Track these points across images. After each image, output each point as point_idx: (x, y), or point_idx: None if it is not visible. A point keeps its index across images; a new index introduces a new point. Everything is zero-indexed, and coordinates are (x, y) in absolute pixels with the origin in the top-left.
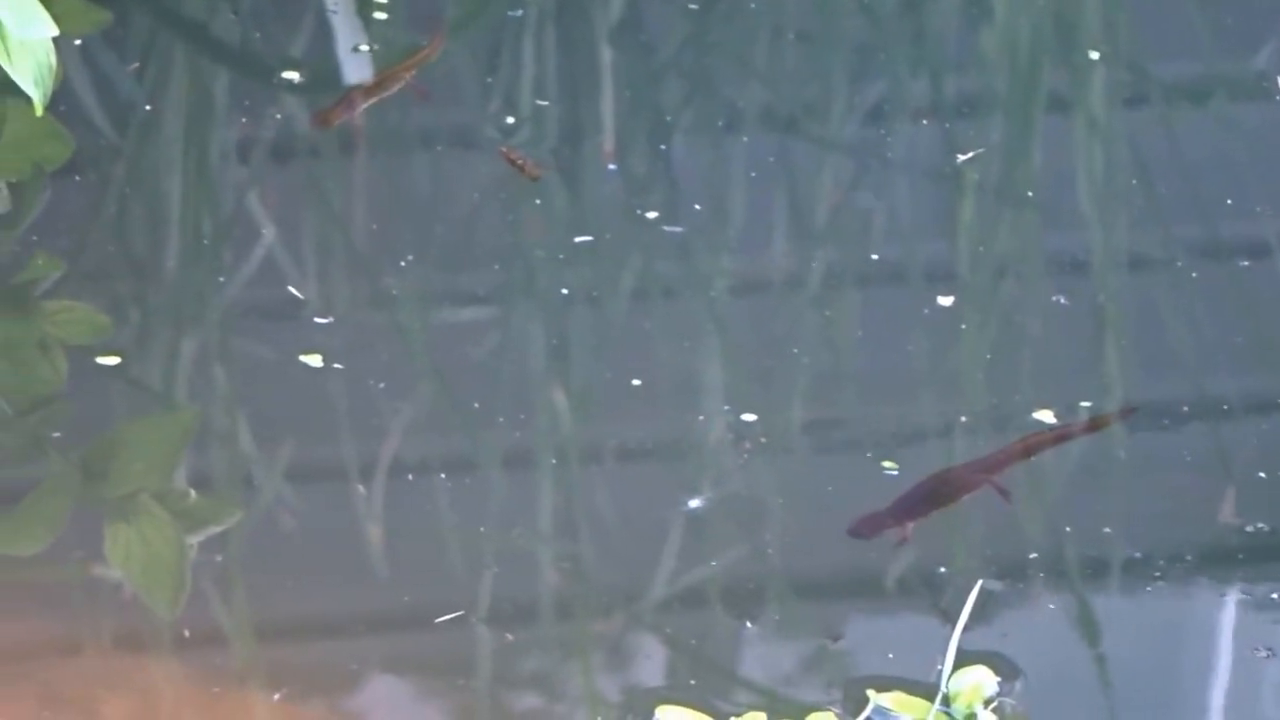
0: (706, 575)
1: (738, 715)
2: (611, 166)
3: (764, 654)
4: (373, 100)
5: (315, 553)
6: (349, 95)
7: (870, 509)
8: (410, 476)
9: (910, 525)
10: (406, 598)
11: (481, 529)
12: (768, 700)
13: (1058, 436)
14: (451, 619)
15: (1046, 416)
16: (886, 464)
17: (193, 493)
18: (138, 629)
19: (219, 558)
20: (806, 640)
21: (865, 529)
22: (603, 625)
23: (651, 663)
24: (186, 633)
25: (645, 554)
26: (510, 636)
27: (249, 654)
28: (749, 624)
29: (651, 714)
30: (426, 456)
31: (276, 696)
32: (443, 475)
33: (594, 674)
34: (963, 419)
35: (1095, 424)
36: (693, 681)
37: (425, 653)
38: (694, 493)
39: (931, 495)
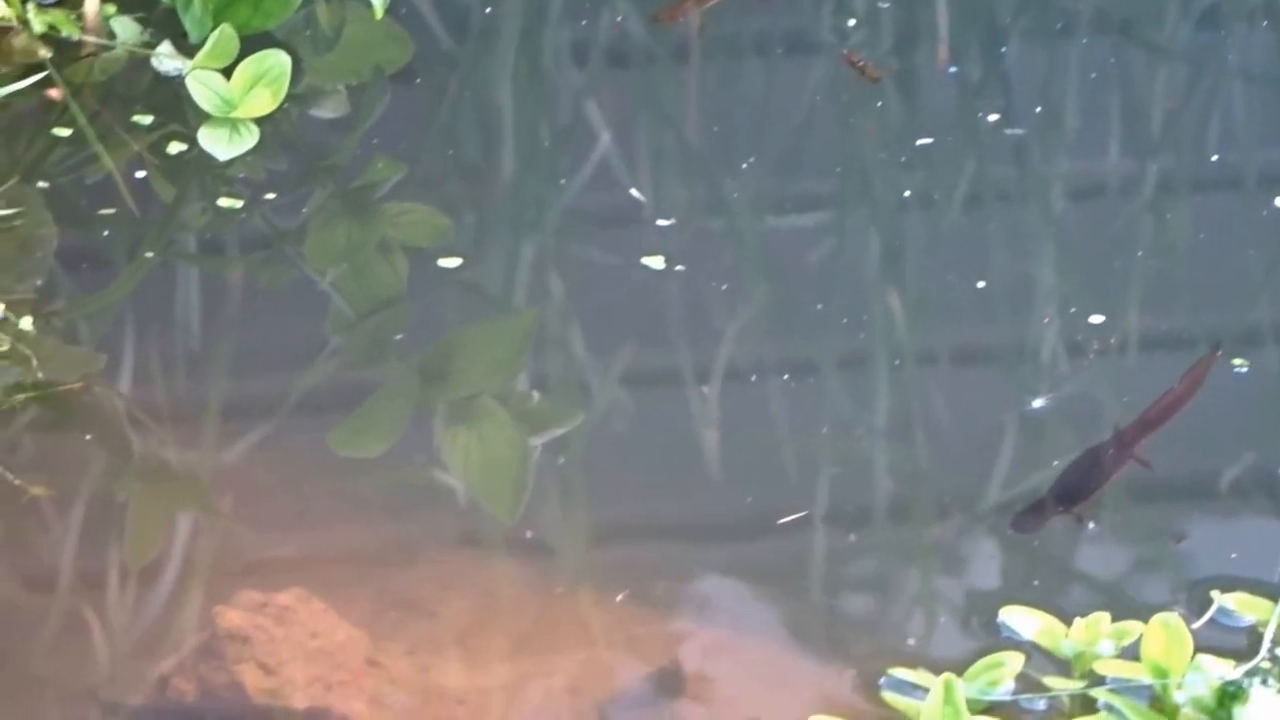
0: (1046, 478)
1: (1081, 616)
2: (952, 69)
3: (1105, 555)
4: (712, 2)
5: (655, 456)
6: None
7: (1029, 502)
8: (750, 379)
9: (1080, 509)
10: (748, 500)
11: (821, 431)
12: (1110, 601)
13: (1182, 396)
14: (793, 520)
15: None
16: (1236, 361)
17: (535, 395)
18: (478, 530)
19: (559, 460)
20: (1148, 542)
21: (1029, 524)
22: (942, 528)
23: (992, 565)
24: (528, 534)
25: (983, 456)
26: (852, 538)
27: (589, 556)
28: (1090, 525)
29: (995, 616)
30: (764, 359)
31: (618, 598)
32: (783, 377)
33: (934, 577)
34: None
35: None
36: (1035, 583)
37: (765, 555)
38: (1033, 395)
39: (1087, 477)
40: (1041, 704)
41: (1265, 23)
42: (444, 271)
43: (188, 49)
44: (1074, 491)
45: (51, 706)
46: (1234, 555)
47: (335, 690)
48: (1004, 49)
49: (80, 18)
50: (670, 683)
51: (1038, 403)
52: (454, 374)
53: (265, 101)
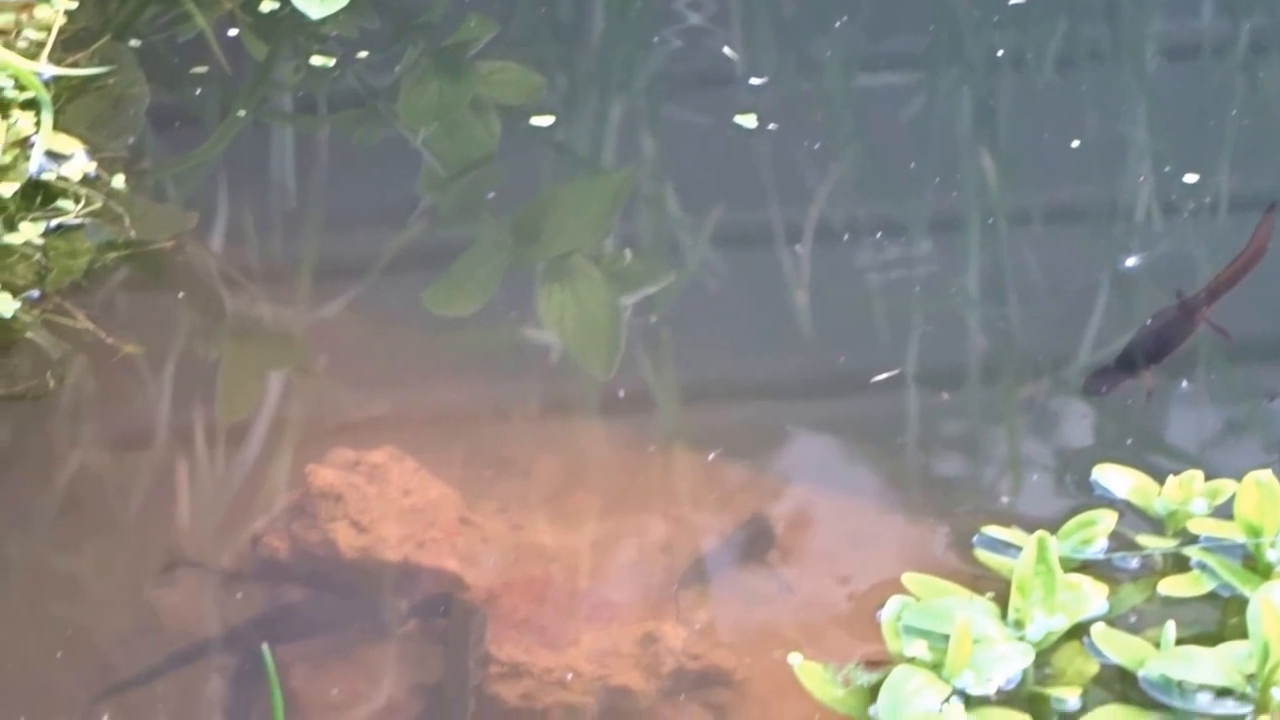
0: (1156, 334)
1: (1175, 474)
2: None
3: (1199, 414)
4: None
5: (747, 315)
6: None
7: (1099, 367)
8: (842, 238)
9: (1149, 374)
10: (840, 359)
11: (914, 290)
12: (1204, 460)
13: (1249, 259)
14: (886, 379)
15: None
16: None
17: (628, 253)
18: (570, 390)
19: (652, 318)
20: (1241, 400)
21: (1099, 385)
22: (1034, 387)
23: (1084, 423)
24: (621, 393)
25: (1077, 316)
26: (945, 396)
27: (681, 415)
28: (1184, 383)
29: (1088, 474)
30: (856, 218)
31: (710, 457)
32: (875, 236)
33: (1026, 435)
34: None
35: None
36: (1128, 441)
37: (858, 414)
38: (1126, 254)
39: (1158, 340)
40: (1134, 562)
41: None
42: (536, 130)
43: None
44: (1141, 357)
45: (145, 565)
46: None
47: (427, 548)
48: None
49: None
50: (762, 541)
51: (1131, 262)
52: (547, 233)
53: None
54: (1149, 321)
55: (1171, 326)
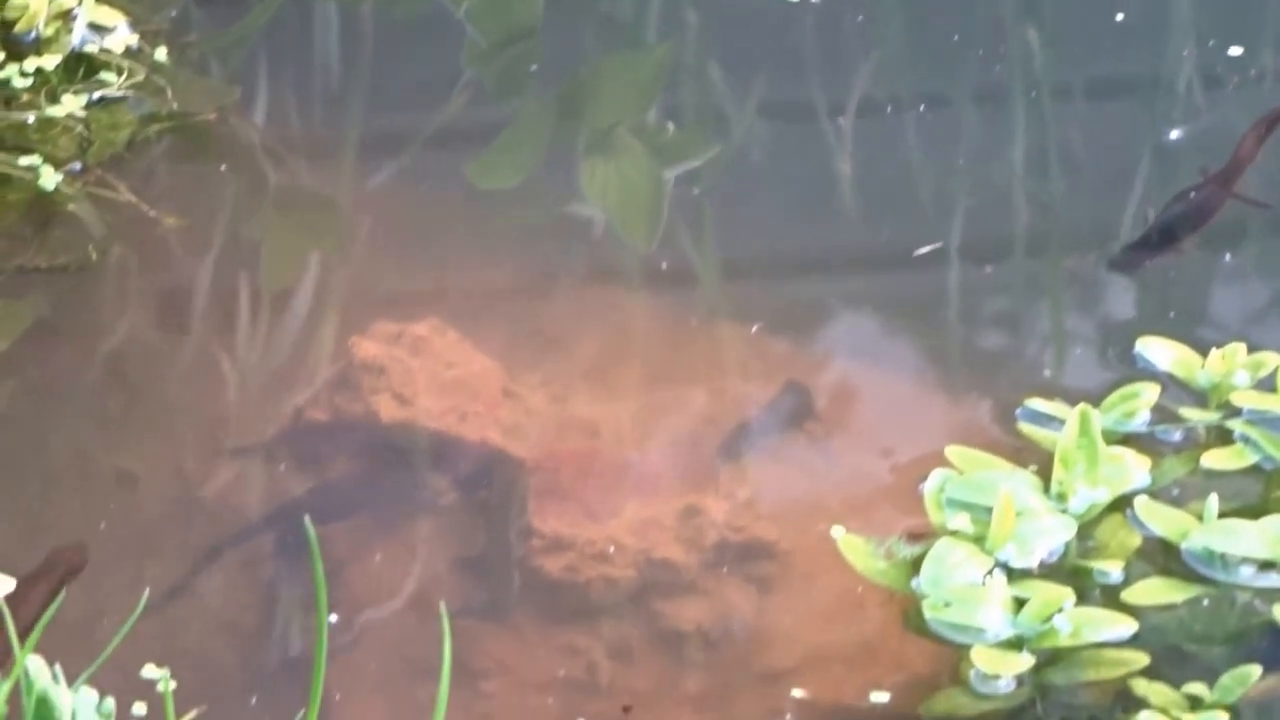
0: (1181, 211)
1: (1218, 346)
2: None
3: (1243, 286)
4: None
5: (790, 188)
6: None
7: (1125, 244)
8: (886, 111)
9: (1177, 249)
10: (883, 232)
11: (957, 163)
12: (1247, 333)
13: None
14: (928, 253)
15: None
16: None
17: (671, 126)
18: (613, 263)
19: (695, 191)
20: None
21: (1125, 263)
22: (1078, 260)
23: (1127, 297)
24: (664, 265)
25: (1120, 189)
26: (988, 270)
27: (724, 288)
28: (1228, 257)
29: (1131, 347)
30: (900, 92)
31: (753, 330)
32: (919, 110)
33: (1067, 309)
34: None
35: None
36: (1171, 314)
37: (900, 288)
38: (1170, 127)
39: (1184, 218)
40: (1177, 435)
41: None
42: (579, 3)
43: None
44: (1166, 235)
45: (188, 435)
46: None
47: (469, 420)
48: None
49: None
50: (805, 414)
51: (1175, 134)
52: (590, 106)
53: None
54: (1174, 198)
55: (1197, 204)
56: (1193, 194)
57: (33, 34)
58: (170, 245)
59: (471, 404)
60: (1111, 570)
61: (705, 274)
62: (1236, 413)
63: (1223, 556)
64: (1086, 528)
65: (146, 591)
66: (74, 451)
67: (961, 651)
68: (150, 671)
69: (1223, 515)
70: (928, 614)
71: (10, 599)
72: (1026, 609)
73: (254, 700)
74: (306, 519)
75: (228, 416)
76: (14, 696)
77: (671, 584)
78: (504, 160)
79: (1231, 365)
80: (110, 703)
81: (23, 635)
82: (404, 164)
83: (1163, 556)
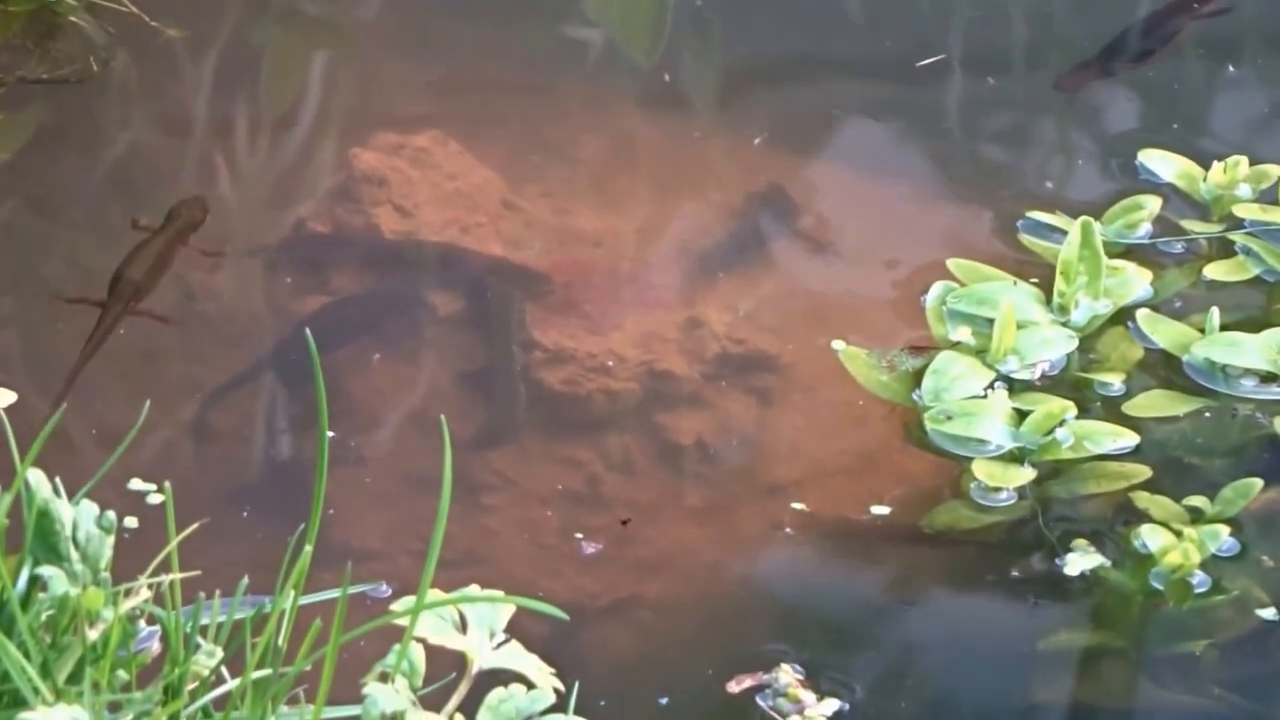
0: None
1: (1220, 159)
2: None
3: (1245, 100)
4: None
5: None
6: None
7: (1075, 63)
8: None
9: (1113, 72)
10: (886, 43)
11: None
12: (1249, 145)
13: None
14: (931, 64)
15: None
16: None
17: None
18: (615, 75)
19: (697, 2)
20: None
21: (1070, 83)
22: (1078, 71)
23: (1130, 108)
24: (666, 78)
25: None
26: (991, 81)
27: (726, 100)
28: (1230, 69)
29: (1133, 159)
30: None
31: (756, 141)
32: None
33: (1070, 121)
34: None
35: None
36: (1174, 125)
37: (903, 99)
38: None
39: (1141, 37)
40: (1179, 247)
41: None
42: None
43: None
44: (1119, 55)
45: (188, 245)
46: None
47: (471, 232)
48: None
49: None
50: (808, 223)
51: None
52: None
53: None
54: (1143, 19)
55: (1155, 24)
56: (1154, 14)
57: None
58: (172, 56)
59: (473, 216)
60: (1113, 382)
61: (708, 86)
62: (1239, 224)
63: (1224, 369)
64: (1088, 340)
65: (147, 404)
66: (75, 263)
67: (963, 464)
68: (147, 486)
69: (1224, 327)
70: (929, 426)
71: (137, 250)
72: (1028, 421)
73: (251, 515)
74: (308, 333)
75: (229, 225)
76: (15, 509)
77: (672, 396)
78: None
79: (1234, 177)
80: (111, 516)
81: (156, 271)
82: None
83: (1164, 369)
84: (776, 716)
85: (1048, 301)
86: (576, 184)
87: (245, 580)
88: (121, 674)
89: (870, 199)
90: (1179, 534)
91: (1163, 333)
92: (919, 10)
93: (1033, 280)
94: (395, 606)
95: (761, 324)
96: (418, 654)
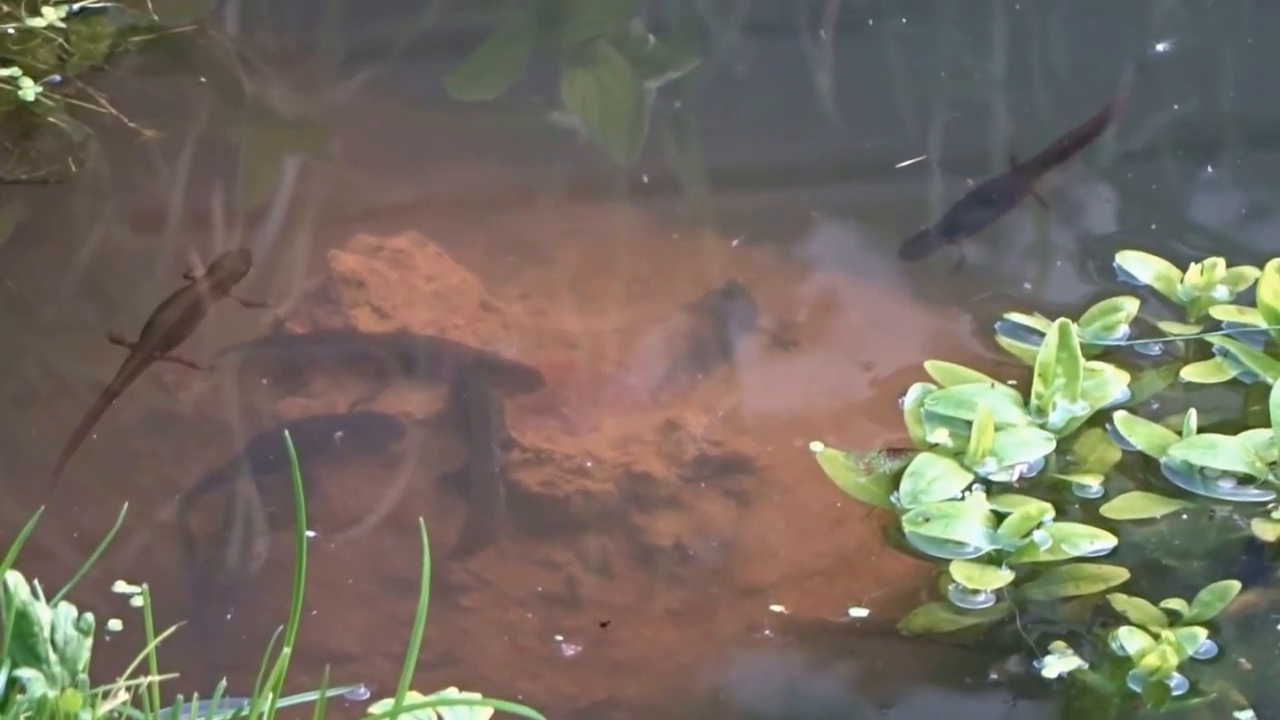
0: (1164, 121)
1: (1197, 260)
2: None
3: (1223, 200)
4: None
5: (771, 100)
6: None
7: (917, 231)
8: (867, 24)
9: (961, 243)
10: (865, 145)
11: (939, 75)
12: (1227, 246)
13: (1086, 134)
14: (910, 165)
15: None
16: None
17: (651, 38)
18: (593, 174)
19: (676, 104)
20: (1266, 186)
21: (914, 251)
22: (1058, 174)
23: (1108, 209)
24: (645, 178)
25: (1102, 102)
26: (969, 183)
27: (705, 201)
28: (1209, 169)
29: (1111, 260)
30: (881, 2)
31: (735, 243)
32: (900, 21)
33: (1049, 224)
34: None
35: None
36: (1152, 226)
37: (881, 200)
38: (1154, 41)
39: (979, 208)
40: (1157, 349)
41: None
42: None
43: None
44: (959, 226)
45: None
46: None
47: (449, 334)
48: None
49: None
50: (787, 327)
51: (1159, 48)
52: (570, 17)
53: None
54: (973, 189)
55: (996, 196)
56: (994, 184)
57: None
58: (149, 156)
59: (451, 317)
60: (1091, 484)
61: (687, 186)
62: (1216, 326)
63: (1202, 471)
64: (1066, 442)
65: (125, 506)
66: (50, 362)
67: (941, 566)
68: (128, 588)
69: (1202, 430)
70: (907, 528)
71: (174, 297)
72: (1006, 523)
73: (231, 616)
74: (286, 434)
75: (202, 328)
76: None
77: (651, 498)
78: (484, 71)
79: (1211, 279)
80: (89, 618)
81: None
82: (382, 74)
83: (1142, 471)
84: None
85: (1025, 403)
86: (554, 285)
87: (224, 682)
88: None
89: (848, 300)
90: (1157, 636)
91: (1140, 435)
92: (899, 111)
93: (1010, 382)
94: (374, 709)
95: (740, 426)
96: None
